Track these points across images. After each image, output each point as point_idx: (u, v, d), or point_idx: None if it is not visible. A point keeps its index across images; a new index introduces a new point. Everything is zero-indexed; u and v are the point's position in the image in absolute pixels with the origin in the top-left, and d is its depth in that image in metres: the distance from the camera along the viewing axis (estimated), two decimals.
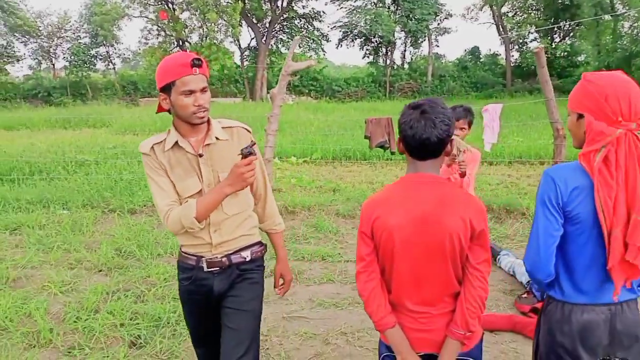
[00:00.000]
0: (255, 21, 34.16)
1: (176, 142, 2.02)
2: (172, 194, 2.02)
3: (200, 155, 2.04)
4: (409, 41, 35.51)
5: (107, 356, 3.31)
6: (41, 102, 31.57)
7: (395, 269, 1.78)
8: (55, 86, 32.80)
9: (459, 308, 1.76)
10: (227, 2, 30.42)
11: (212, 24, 29.99)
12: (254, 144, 1.95)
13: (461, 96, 32.82)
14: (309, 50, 35.81)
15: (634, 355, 1.73)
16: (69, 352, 3.39)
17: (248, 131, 2.15)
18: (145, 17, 32.90)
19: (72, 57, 33.08)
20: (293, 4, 34.49)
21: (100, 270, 4.82)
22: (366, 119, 7.69)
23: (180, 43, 32.84)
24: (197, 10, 29.80)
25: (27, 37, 33.50)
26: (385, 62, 35.66)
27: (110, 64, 35.09)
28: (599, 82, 1.64)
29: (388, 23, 32.08)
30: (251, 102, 30.26)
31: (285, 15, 34.82)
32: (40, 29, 33.40)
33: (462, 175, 3.28)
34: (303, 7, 35.25)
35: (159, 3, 32.44)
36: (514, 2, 35.80)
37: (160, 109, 2.04)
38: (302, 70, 34.20)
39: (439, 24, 35.33)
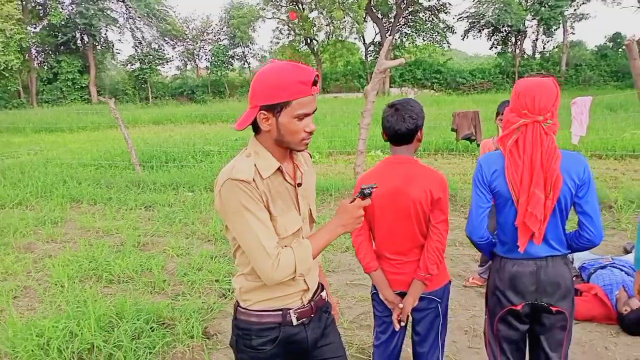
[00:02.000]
0: (380, 16, 34.72)
1: (278, 169, 1.70)
2: (274, 232, 1.66)
3: (299, 185, 1.78)
4: (541, 29, 33.77)
5: (203, 302, 4.22)
6: (186, 99, 35.19)
7: (377, 227, 2.37)
8: (198, 85, 36.32)
9: (422, 256, 2.30)
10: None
11: (338, 21, 31.08)
12: (377, 185, 1.78)
13: (599, 86, 30.63)
14: (433, 42, 35.61)
15: (556, 299, 2.13)
16: (175, 298, 4.36)
17: (310, 155, 1.98)
18: (277, 18, 35.02)
19: (213, 58, 36.31)
20: None
21: (209, 240, 5.84)
22: (453, 112, 7.99)
23: (308, 41, 34.46)
24: (324, 9, 31.08)
25: (175, 40, 37.38)
26: (515, 52, 34.29)
27: (245, 63, 37.85)
28: (518, 83, 2.12)
29: (518, 11, 30.86)
30: None
31: (410, 9, 34.91)
32: (186, 33, 37.05)
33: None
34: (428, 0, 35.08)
35: (290, 4, 34.34)
36: None
37: (242, 125, 1.64)
38: (426, 63, 34.21)
39: (575, 9, 33.11)
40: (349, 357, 2.72)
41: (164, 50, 37.72)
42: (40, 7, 34.70)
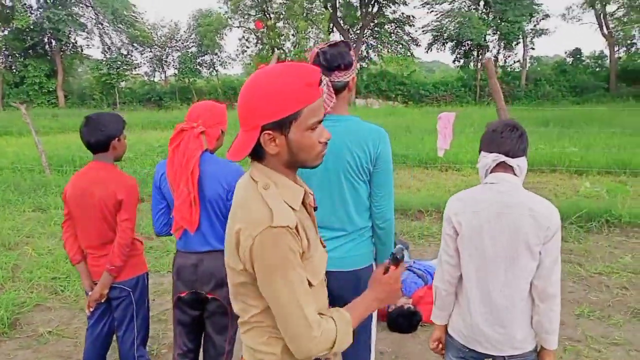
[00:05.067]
0: (345, 28, 35.28)
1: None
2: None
3: (315, 209, 1.53)
4: (502, 44, 34.59)
5: (29, 297, 4.49)
6: (154, 105, 35.28)
7: (76, 225, 2.70)
8: (166, 91, 36.44)
9: (111, 250, 2.62)
10: (317, 11, 31.93)
11: (303, 32, 31.56)
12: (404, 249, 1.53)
13: (557, 101, 31.43)
14: (397, 54, 36.25)
15: (211, 288, 2.46)
16: (7, 292, 4.63)
17: None
18: (244, 27, 35.39)
19: (181, 65, 36.49)
20: (384, 10, 35.10)
21: None
22: None
23: (275, 50, 34.86)
24: (288, 19, 31.55)
25: (143, 46, 37.52)
26: (476, 66, 35.04)
27: (214, 70, 38.10)
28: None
29: (478, 26, 31.60)
30: None
31: (375, 21, 35.52)
32: (154, 39, 37.23)
33: None
34: (393, 12, 35.72)
35: (258, 13, 34.75)
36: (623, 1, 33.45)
37: (241, 154, 1.32)
38: (390, 75, 34.76)
39: (535, 25, 34.01)
40: None
41: (132, 56, 37.84)
42: (8, 11, 34.63)
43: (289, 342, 1.32)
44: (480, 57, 34.75)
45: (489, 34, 33.90)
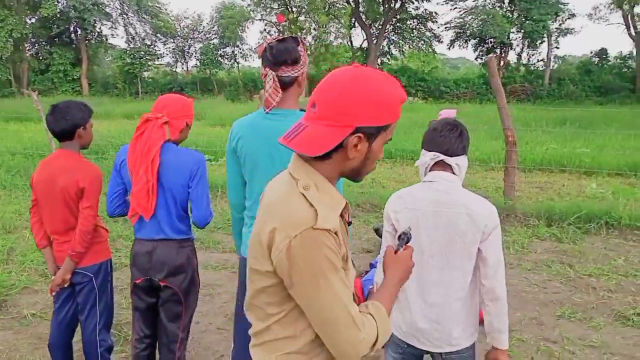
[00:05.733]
0: (367, 23, 35.08)
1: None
2: None
3: (349, 224, 1.46)
4: (526, 42, 34.01)
5: (18, 280, 4.61)
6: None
7: (43, 211, 2.75)
8: (187, 82, 36.78)
9: (73, 236, 2.68)
10: (339, 5, 31.82)
11: (324, 26, 31.48)
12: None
13: (580, 101, 30.85)
14: (418, 50, 35.94)
15: (164, 276, 2.51)
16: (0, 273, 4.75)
17: None
18: (266, 20, 35.47)
19: (202, 56, 36.77)
20: (406, 6, 34.80)
21: None
22: None
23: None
24: (309, 13, 31.51)
25: (166, 37, 37.90)
26: (499, 64, 34.52)
27: (235, 62, 38.30)
28: None
29: (502, 24, 31.12)
30: None
31: (398, 17, 35.24)
32: (177, 30, 37.57)
33: None
34: (416, 8, 35.39)
35: (280, 7, 34.77)
36: None
37: (323, 149, 1.21)
38: (411, 71, 34.50)
39: (560, 24, 33.35)
40: None
41: (155, 46, 38.25)
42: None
43: (334, 347, 1.25)
44: (503, 54, 34.25)
45: (513, 32, 33.35)
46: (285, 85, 2.19)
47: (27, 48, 36.94)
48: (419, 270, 2.02)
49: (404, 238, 1.55)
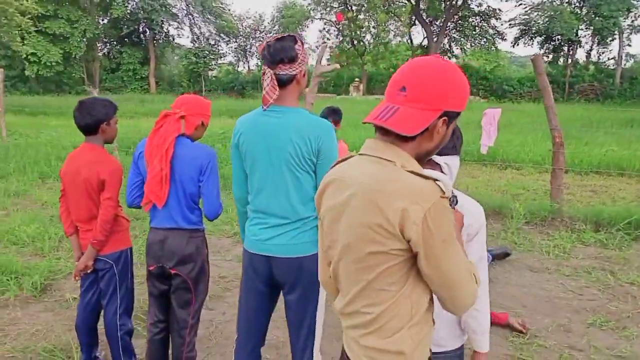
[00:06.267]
0: (428, 20, 34.58)
1: None
2: None
3: None
4: (595, 40, 32.46)
5: (65, 266, 4.92)
6: (236, 94, 36.55)
7: (69, 201, 2.95)
8: (248, 80, 37.62)
9: (95, 226, 2.86)
10: (399, 2, 31.54)
11: (383, 24, 31.33)
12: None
13: None
14: (480, 48, 35.04)
15: (174, 264, 2.63)
16: (50, 260, 5.08)
17: None
18: (325, 18, 35.65)
19: None
20: (469, 2, 34.03)
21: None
22: None
23: (354, 43, 34.88)
24: (368, 12, 31.44)
25: (229, 37, 38.89)
26: (566, 62, 33.15)
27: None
28: None
29: (569, 20, 29.85)
30: None
31: (460, 14, 34.52)
32: (240, 30, 38.46)
33: None
34: (479, 4, 34.52)
35: (340, 5, 34.88)
36: None
37: (417, 129, 1.27)
38: (472, 69, 33.70)
39: (632, 21, 31.60)
40: None
41: (219, 46, 39.31)
42: (108, 1, 37.12)
43: (456, 301, 1.35)
44: (571, 52, 32.85)
45: (582, 29, 31.94)
46: (283, 83, 2.24)
47: (99, 48, 38.93)
48: None
49: (454, 201, 1.54)
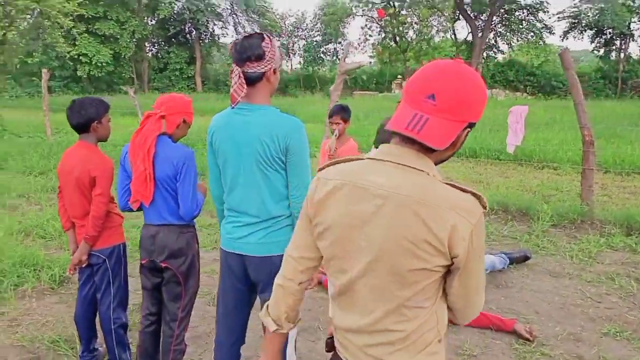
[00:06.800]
0: (472, 15, 33.81)
1: None
2: None
3: None
4: None
5: None
6: (279, 92, 36.81)
7: (65, 197, 3.04)
8: (291, 79, 37.83)
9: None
10: None
11: (425, 20, 30.89)
12: None
13: None
14: (527, 43, 33.99)
15: (165, 258, 2.70)
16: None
17: None
18: (367, 15, 35.46)
19: (305, 54, 37.62)
20: None
21: None
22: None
23: (397, 39, 34.54)
24: (410, 7, 31.06)
25: (272, 35, 39.18)
26: (619, 56, 31.74)
27: (337, 58, 38.68)
28: None
29: (621, 13, 28.57)
30: None
31: (505, 7, 33.57)
32: (282, 28, 38.72)
33: None
34: None
35: (383, 1, 34.60)
36: None
37: (446, 143, 1.23)
38: (519, 65, 32.74)
39: None
40: None
41: None
42: (154, 1, 38.10)
43: (471, 309, 1.38)
44: (623, 46, 31.45)
45: (635, 22, 30.51)
46: (252, 81, 2.24)
47: (148, 48, 39.99)
48: None
49: None
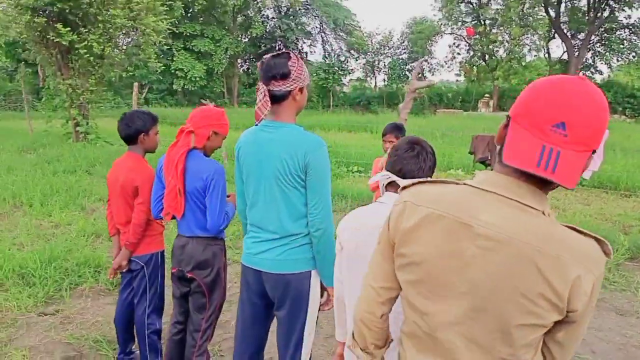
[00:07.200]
0: (569, 34, 32.24)
1: None
2: None
3: None
4: None
5: None
6: (362, 109, 37.00)
7: (112, 205, 3.23)
8: (374, 96, 37.90)
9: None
10: (537, 16, 29.85)
11: (517, 38, 29.86)
12: None
13: None
14: (628, 63, 31.82)
15: (191, 268, 2.78)
16: None
17: None
18: (455, 33, 34.85)
19: (390, 71, 37.57)
20: (616, 14, 31.15)
21: None
22: (473, 136, 7.88)
23: (485, 57, 33.63)
24: (502, 26, 30.16)
25: (358, 53, 39.58)
26: None
27: (422, 76, 38.31)
28: None
29: None
30: None
31: (605, 26, 31.73)
32: (369, 46, 38.96)
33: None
34: (628, 16, 31.49)
35: (473, 20, 33.91)
36: None
37: (578, 176, 1.10)
38: (618, 86, 30.73)
39: None
40: None
41: (348, 62, 40.18)
42: (248, 21, 39.75)
43: (565, 358, 1.24)
44: None
45: None
46: (277, 99, 2.27)
47: (239, 64, 41.72)
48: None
49: None
